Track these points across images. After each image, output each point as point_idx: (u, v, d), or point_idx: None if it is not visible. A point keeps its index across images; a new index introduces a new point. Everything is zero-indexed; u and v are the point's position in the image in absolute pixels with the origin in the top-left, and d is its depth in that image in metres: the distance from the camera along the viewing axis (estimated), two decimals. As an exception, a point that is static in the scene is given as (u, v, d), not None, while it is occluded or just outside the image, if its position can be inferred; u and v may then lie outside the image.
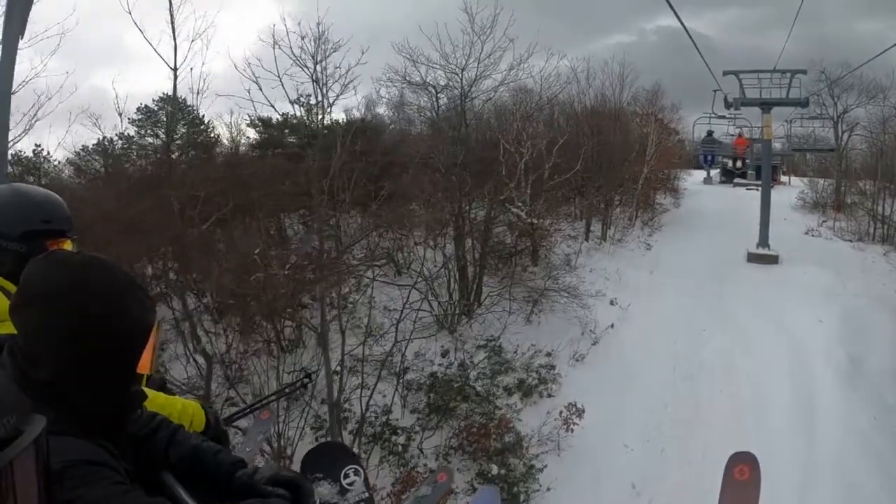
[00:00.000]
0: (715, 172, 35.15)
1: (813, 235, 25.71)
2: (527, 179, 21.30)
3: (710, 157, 34.77)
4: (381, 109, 24.40)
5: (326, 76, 18.70)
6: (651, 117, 28.66)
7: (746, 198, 29.51)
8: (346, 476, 4.61)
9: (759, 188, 26.50)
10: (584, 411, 15.76)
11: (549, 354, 17.84)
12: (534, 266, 20.37)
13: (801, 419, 15.79)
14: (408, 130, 23.74)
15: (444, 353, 17.60)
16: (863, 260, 22.99)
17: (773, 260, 22.61)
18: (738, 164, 34.34)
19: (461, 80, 19.43)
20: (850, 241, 24.92)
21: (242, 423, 8.24)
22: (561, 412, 15.84)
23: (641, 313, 19.19)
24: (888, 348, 18.10)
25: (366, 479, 4.46)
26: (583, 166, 23.70)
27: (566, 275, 19.49)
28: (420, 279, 18.21)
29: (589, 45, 47.23)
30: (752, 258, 22.83)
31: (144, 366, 2.08)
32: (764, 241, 23.16)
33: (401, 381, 16.84)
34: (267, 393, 13.40)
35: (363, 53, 18.44)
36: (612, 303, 19.59)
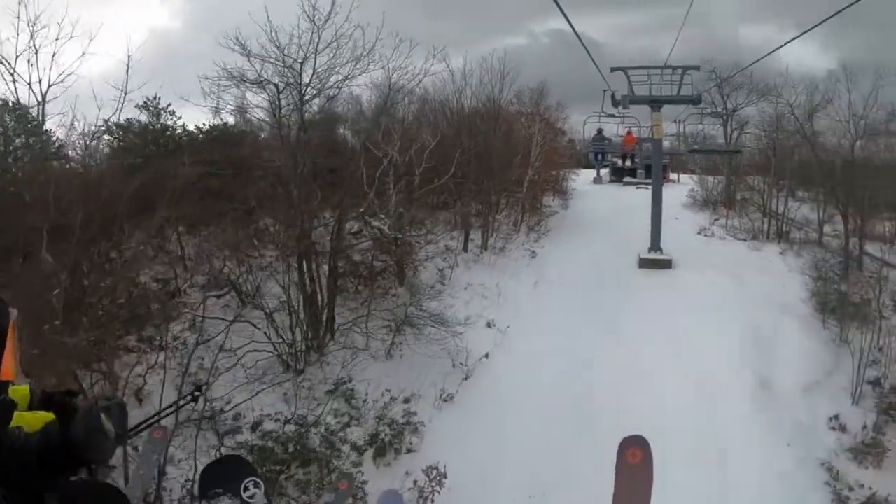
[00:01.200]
0: (605, 172, 33.85)
1: (706, 235, 23.44)
2: (394, 187, 18.06)
3: (599, 156, 33.34)
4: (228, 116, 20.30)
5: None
6: (536, 117, 25.88)
7: (637, 197, 27.62)
8: (246, 489, 4.06)
9: (650, 187, 24.50)
10: (445, 476, 12.29)
11: (407, 401, 14.33)
12: (400, 287, 17.07)
13: (710, 458, 13.08)
14: (256, 137, 19.99)
15: (256, 423, 13.78)
16: (759, 260, 20.71)
17: (666, 265, 20.04)
18: (628, 162, 33.11)
19: (300, 74, 15.74)
20: (745, 240, 22.73)
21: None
22: (416, 482, 12.31)
23: (522, 336, 16.14)
24: (795, 361, 15.70)
25: (266, 491, 3.76)
26: (460, 170, 20.71)
27: (434, 298, 16.07)
28: (257, 309, 14.64)
29: (478, 48, 44.61)
30: (645, 263, 20.22)
31: (6, 372, 1.84)
32: (656, 244, 20.60)
33: (222, 446, 12.90)
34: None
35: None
36: (489, 325, 16.43)
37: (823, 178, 22.27)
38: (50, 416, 2.18)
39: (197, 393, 6.35)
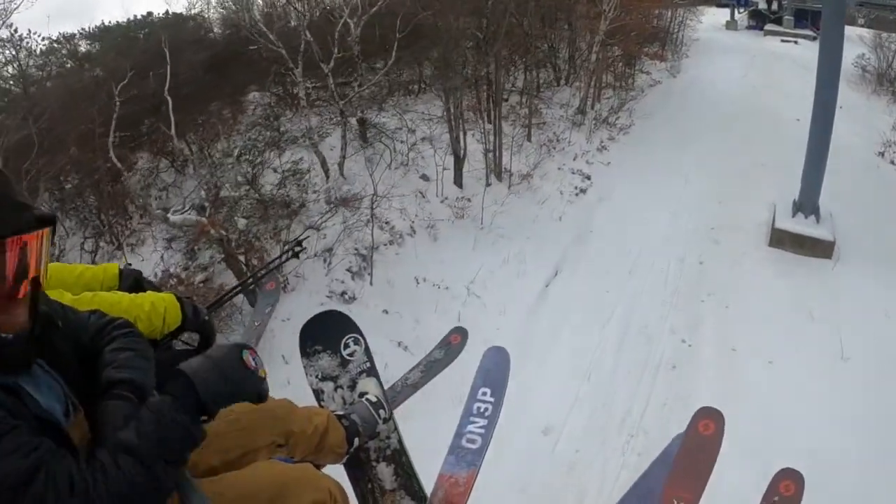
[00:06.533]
0: (742, 15, 24.30)
1: (894, 162, 12.18)
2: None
3: (741, -3, 24.26)
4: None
5: None
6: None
7: (781, 58, 17.53)
8: (346, 346, 3.13)
9: (798, 41, 17.86)
10: None
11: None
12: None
13: None
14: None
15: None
16: None
17: (822, 251, 9.19)
18: (774, 5, 23.54)
19: None
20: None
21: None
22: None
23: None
24: None
25: (366, 347, 2.84)
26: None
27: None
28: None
29: None
30: (779, 239, 9.46)
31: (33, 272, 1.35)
32: (809, 198, 9.63)
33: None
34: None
35: None
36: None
37: None
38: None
39: (298, 248, 4.28)
